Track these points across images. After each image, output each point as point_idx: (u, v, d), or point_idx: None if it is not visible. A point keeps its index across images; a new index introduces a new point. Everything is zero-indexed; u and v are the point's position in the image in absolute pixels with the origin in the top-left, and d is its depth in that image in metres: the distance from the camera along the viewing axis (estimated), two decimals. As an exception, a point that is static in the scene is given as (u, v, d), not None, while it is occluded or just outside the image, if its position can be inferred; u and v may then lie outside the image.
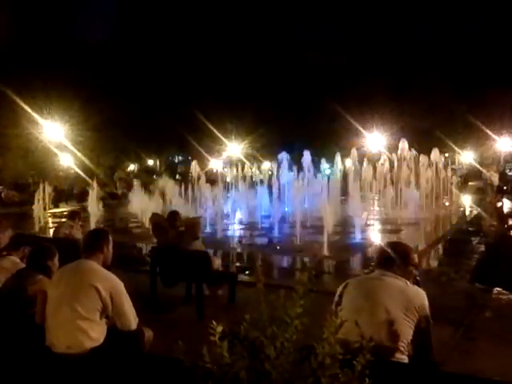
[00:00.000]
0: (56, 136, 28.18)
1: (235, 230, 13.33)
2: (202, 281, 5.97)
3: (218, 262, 6.52)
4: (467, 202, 23.99)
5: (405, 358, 2.82)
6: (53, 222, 12.86)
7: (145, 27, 36.50)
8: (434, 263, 10.27)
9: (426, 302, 2.98)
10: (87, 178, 19.28)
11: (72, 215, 8.30)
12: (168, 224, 6.78)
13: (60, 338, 3.36)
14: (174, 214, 6.99)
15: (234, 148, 34.71)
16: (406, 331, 2.85)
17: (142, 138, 23.45)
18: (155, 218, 7.28)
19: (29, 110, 26.50)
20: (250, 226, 13.75)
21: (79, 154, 24.71)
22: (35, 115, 27.06)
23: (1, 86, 25.21)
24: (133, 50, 34.75)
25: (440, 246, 11.87)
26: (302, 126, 31.77)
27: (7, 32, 27.91)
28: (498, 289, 6.88)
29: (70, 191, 23.64)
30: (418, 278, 3.38)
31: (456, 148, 35.16)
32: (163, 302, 6.06)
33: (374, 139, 32.79)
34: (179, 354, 1.82)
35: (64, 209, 13.91)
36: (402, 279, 3.02)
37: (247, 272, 7.64)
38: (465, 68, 36.17)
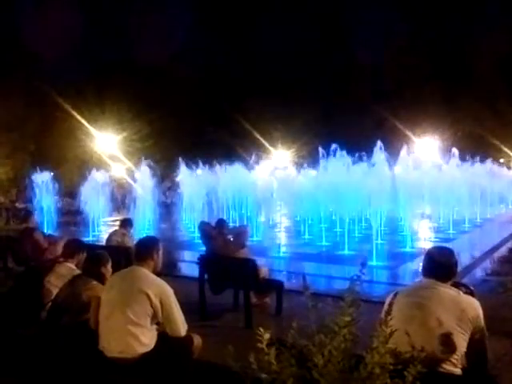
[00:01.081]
0: (109, 147, 29.23)
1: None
2: (250, 289, 5.98)
3: (265, 270, 6.52)
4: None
5: (458, 371, 2.72)
6: (106, 231, 13.28)
7: (194, 42, 37.32)
8: (489, 272, 9.87)
9: (481, 313, 2.87)
10: (139, 187, 19.79)
11: (124, 223, 8.51)
12: (216, 232, 6.86)
13: (112, 342, 3.46)
14: (221, 222, 7.06)
15: (281, 155, 34.79)
16: (460, 343, 2.75)
17: (190, 148, 24.02)
18: (203, 225, 7.36)
19: (85, 122, 27.66)
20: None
21: (130, 164, 25.47)
22: (90, 127, 28.20)
23: (59, 100, 26.44)
24: (183, 64, 35.48)
25: (495, 253, 11.40)
26: (350, 131, 31.39)
27: (66, 46, 29.17)
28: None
29: (122, 200, 24.36)
30: (472, 287, 3.26)
31: (510, 152, 33.76)
32: (211, 309, 6.12)
33: (426, 145, 31.99)
34: (228, 360, 1.84)
35: (117, 218, 14.34)
36: (455, 289, 2.92)
37: (294, 281, 7.61)
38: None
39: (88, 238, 13.11)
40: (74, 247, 4.86)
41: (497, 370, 3.36)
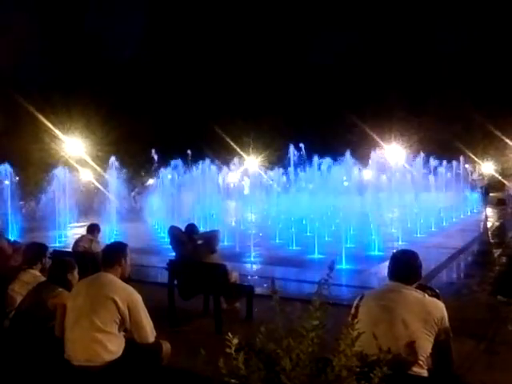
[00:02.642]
0: (76, 151, 28.70)
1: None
2: (220, 294, 5.96)
3: (235, 275, 6.50)
4: (489, 212, 23.63)
5: (424, 372, 2.77)
6: (73, 236, 13.03)
7: (165, 44, 37.12)
8: (454, 275, 10.12)
9: (446, 315, 2.93)
10: (107, 193, 19.51)
11: (91, 229, 8.36)
12: (186, 237, 6.80)
13: (78, 350, 3.39)
14: (191, 227, 7.01)
15: (252, 161, 34.87)
16: (425, 344, 2.81)
17: (160, 153, 23.81)
18: (173, 230, 7.29)
19: (50, 125, 27.08)
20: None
21: (99, 169, 25.07)
22: (56, 131, 27.63)
23: (24, 103, 25.83)
24: (153, 66, 35.32)
25: (461, 256, 11.70)
26: (319, 138, 31.76)
27: (31, 49, 28.64)
28: (521, 301, 6.73)
29: (90, 206, 23.94)
30: (437, 290, 3.33)
31: (476, 159, 34.76)
32: (181, 315, 6.07)
33: (394, 150, 32.61)
34: (198, 366, 1.83)
35: (84, 223, 14.08)
36: (420, 291, 2.98)
37: (265, 285, 7.62)
38: (483, 78, 35.84)
39: (54, 244, 12.82)
40: (36, 252, 4.74)
41: (462, 370, 3.44)
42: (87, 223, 9.54)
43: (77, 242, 8.16)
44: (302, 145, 18.78)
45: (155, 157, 22.07)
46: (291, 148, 18.05)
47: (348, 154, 14.77)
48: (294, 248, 12.33)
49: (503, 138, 33.72)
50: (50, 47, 31.53)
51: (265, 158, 35.52)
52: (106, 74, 32.03)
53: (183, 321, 6.02)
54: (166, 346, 3.70)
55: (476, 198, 25.98)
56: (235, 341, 1.83)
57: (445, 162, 24.40)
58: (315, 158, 16.52)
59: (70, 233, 15.66)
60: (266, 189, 20.70)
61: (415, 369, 2.73)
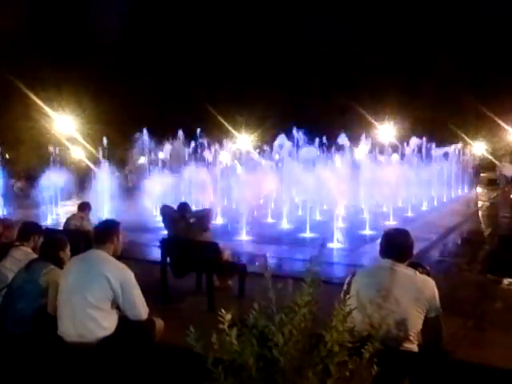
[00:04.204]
0: (67, 129, 28.39)
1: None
2: (212, 272, 6.00)
3: (228, 253, 6.54)
4: (479, 192, 23.82)
5: (414, 348, 2.82)
6: (64, 214, 12.97)
7: (155, 20, 36.52)
8: (444, 253, 10.23)
9: (436, 292, 2.97)
10: (98, 171, 19.38)
11: (82, 207, 8.32)
12: (178, 215, 6.80)
13: (71, 327, 3.41)
14: (184, 206, 7.00)
15: (244, 140, 34.71)
16: (416, 321, 2.85)
17: (153, 132, 23.62)
18: (165, 209, 7.28)
19: (40, 103, 26.72)
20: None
21: (90, 147, 24.86)
22: (47, 108, 27.27)
23: (13, 79, 25.42)
24: (144, 43, 34.81)
25: (452, 236, 11.81)
26: (312, 118, 31.64)
27: (19, 25, 28.05)
28: (510, 280, 6.83)
29: (81, 184, 23.81)
30: (428, 268, 3.37)
31: (468, 139, 34.85)
32: (173, 293, 6.10)
33: (387, 131, 32.59)
34: (190, 342, 1.84)
35: (75, 201, 14.01)
36: (411, 269, 3.01)
37: (257, 263, 7.67)
38: (476, 58, 35.73)
39: (46, 222, 12.77)
40: (30, 230, 4.72)
41: (451, 346, 3.49)
42: (79, 201, 9.49)
43: (68, 220, 8.14)
44: (295, 129, 18.69)
45: (146, 136, 21.89)
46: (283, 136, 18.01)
47: (342, 135, 14.79)
48: (286, 227, 12.37)
49: (496, 119, 33.77)
50: (38, 25, 30.88)
51: (257, 137, 35.38)
52: (95, 52, 31.52)
53: (176, 298, 6.06)
54: (159, 323, 3.73)
55: (467, 177, 26.10)
56: (228, 317, 1.84)
57: (435, 144, 24.49)
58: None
59: (61, 211, 15.58)
60: (258, 168, 20.65)
61: (406, 344, 2.78)
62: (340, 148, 16.73)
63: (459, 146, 27.96)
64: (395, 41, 37.14)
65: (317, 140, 19.23)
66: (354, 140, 19.40)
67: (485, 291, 6.31)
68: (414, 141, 20.72)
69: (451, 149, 25.02)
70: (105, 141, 18.10)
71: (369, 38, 37.40)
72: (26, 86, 25.79)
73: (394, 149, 22.07)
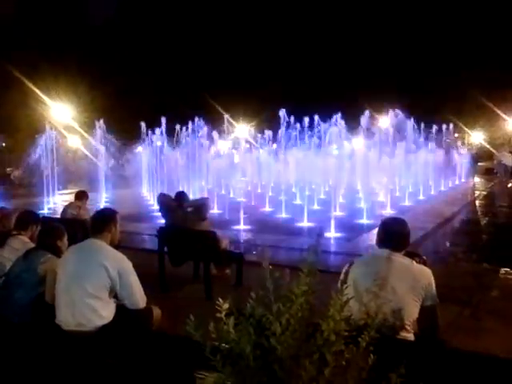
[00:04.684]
0: (64, 117, 28.25)
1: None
2: (210, 260, 6.01)
3: (225, 242, 6.54)
4: (477, 182, 23.86)
5: (410, 336, 2.84)
6: (61, 203, 12.96)
7: (153, 8, 36.21)
8: (441, 243, 10.27)
9: (432, 281, 2.98)
10: (95, 159, 19.33)
11: (79, 195, 8.29)
12: (176, 204, 6.80)
13: (69, 315, 3.42)
14: (181, 195, 7.00)
15: (242, 129, 34.61)
16: (412, 310, 2.86)
17: (150, 120, 23.52)
18: (163, 198, 7.28)
19: (37, 91, 26.55)
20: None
21: (86, 136, 24.77)
22: (44, 96, 27.12)
23: (10, 68, 25.23)
24: (142, 32, 34.55)
25: (448, 225, 11.85)
26: (307, 106, 31.54)
27: (16, 15, 27.81)
28: (506, 269, 6.87)
29: (78, 172, 23.76)
30: (424, 257, 3.38)
31: (466, 128, 34.84)
32: (171, 281, 6.12)
33: (382, 119, 32.48)
34: (189, 331, 1.84)
35: (72, 190, 13.99)
36: (408, 258, 3.02)
37: (254, 252, 7.69)
38: (475, 46, 35.57)
39: (43, 211, 12.76)
40: (27, 219, 4.71)
41: (446, 335, 3.51)
42: (75, 190, 9.47)
43: (65, 209, 8.11)
44: (291, 117, 18.66)
45: (143, 125, 21.78)
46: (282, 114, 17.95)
47: (338, 116, 14.71)
48: (284, 216, 12.39)
49: (495, 108, 33.74)
50: (35, 14, 30.60)
51: (255, 125, 35.28)
52: (93, 41, 31.29)
53: (173, 287, 6.08)
54: (157, 312, 3.75)
55: (465, 167, 26.13)
56: (225, 306, 1.84)
57: (434, 131, 24.47)
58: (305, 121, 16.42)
59: (58, 199, 15.57)
60: (256, 157, 20.65)
61: (402, 333, 2.80)
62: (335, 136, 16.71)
63: (457, 135, 27.97)
64: (394, 30, 36.93)
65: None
66: (352, 128, 19.36)
67: (481, 280, 6.34)
68: (410, 126, 20.69)
69: (452, 139, 25.02)
70: (99, 128, 17.98)
71: (366, 24, 37.18)
72: (24, 75, 25.63)
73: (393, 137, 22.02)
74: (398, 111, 19.78)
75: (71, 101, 28.78)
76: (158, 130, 19.55)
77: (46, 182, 15.79)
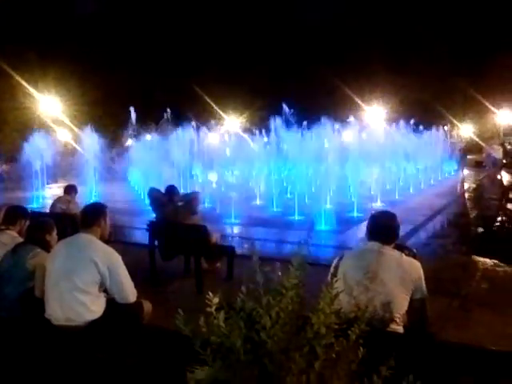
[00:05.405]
0: (53, 111, 27.97)
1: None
2: (201, 254, 6.00)
3: (216, 236, 6.54)
4: (466, 174, 24.04)
5: (400, 329, 2.86)
6: (50, 197, 12.85)
7: (142, 1, 35.92)
8: (431, 235, 10.34)
9: (422, 274, 3.00)
10: (85, 153, 19.19)
11: (68, 189, 8.22)
12: (166, 199, 6.77)
13: (59, 310, 3.40)
14: (172, 189, 6.97)
15: (232, 122, 34.53)
16: (402, 302, 2.88)
17: (140, 113, 23.37)
18: (153, 192, 7.25)
19: (25, 84, 26.24)
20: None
21: (76, 130, 24.56)
22: (31, 89, 26.81)
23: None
24: (132, 23, 34.26)
25: (438, 218, 11.93)
26: (300, 99, 31.54)
27: (1, 4, 27.40)
28: (494, 261, 6.94)
29: (67, 166, 23.57)
30: (414, 250, 3.40)
31: (455, 121, 35.04)
32: (162, 276, 6.11)
33: (374, 112, 32.63)
34: (179, 325, 1.84)
35: (62, 183, 13.88)
36: (398, 251, 3.04)
37: (245, 246, 7.69)
38: (465, 41, 35.73)
39: (32, 205, 12.65)
40: (16, 214, 4.66)
41: (436, 327, 3.54)
42: (65, 184, 9.40)
43: (54, 203, 8.05)
44: (284, 106, 18.66)
45: (133, 117, 21.67)
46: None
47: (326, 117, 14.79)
48: (275, 209, 12.40)
49: (483, 101, 33.95)
50: (22, 5, 30.15)
51: (246, 118, 35.23)
52: (81, 33, 30.95)
53: (164, 281, 6.07)
54: (147, 306, 3.74)
55: (454, 160, 26.30)
56: (216, 300, 1.84)
57: (422, 126, 24.61)
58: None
59: (47, 193, 15.44)
60: (246, 150, 20.59)
61: (392, 326, 2.82)
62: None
63: (446, 128, 28.13)
64: (384, 18, 36.94)
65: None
66: (342, 121, 19.43)
67: (470, 272, 6.41)
68: (402, 123, 20.80)
69: (439, 131, 25.16)
70: (90, 122, 17.84)
71: (356, 17, 37.17)
72: (11, 67, 25.30)
73: (382, 130, 22.15)
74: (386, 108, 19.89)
75: (60, 94, 28.50)
76: (148, 123, 19.46)
77: (35, 176, 15.65)
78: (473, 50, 35.15)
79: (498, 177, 22.54)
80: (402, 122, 21.33)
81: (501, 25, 34.20)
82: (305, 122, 19.13)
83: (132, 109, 21.02)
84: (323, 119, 15.02)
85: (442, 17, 36.58)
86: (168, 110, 22.98)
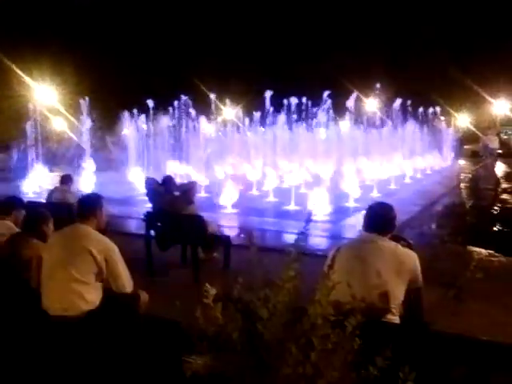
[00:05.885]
0: (48, 99, 27.76)
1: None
2: (197, 244, 6.01)
3: (213, 226, 6.54)
4: (462, 164, 24.09)
5: (396, 319, 2.88)
6: (46, 187, 12.80)
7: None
8: (427, 225, 10.38)
9: (418, 265, 3.02)
10: (81, 142, 19.11)
11: (64, 179, 8.19)
12: (163, 189, 6.77)
13: (56, 301, 3.40)
14: (168, 179, 6.97)
15: (229, 111, 34.35)
16: (398, 293, 2.90)
17: (136, 102, 23.24)
18: (150, 182, 7.24)
19: (19, 71, 26.03)
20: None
21: (72, 119, 24.41)
22: (26, 77, 26.59)
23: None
24: (128, 12, 33.94)
25: (434, 208, 11.96)
26: (296, 87, 31.41)
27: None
28: (490, 251, 6.97)
29: (63, 155, 23.46)
30: (410, 240, 3.41)
31: (452, 111, 35.00)
32: (158, 266, 6.11)
33: (370, 102, 32.50)
34: (176, 315, 1.85)
35: (58, 173, 13.82)
36: (394, 242, 3.05)
37: (242, 235, 7.71)
38: (462, 30, 35.60)
39: (27, 195, 12.61)
40: (11, 204, 4.65)
41: (431, 317, 3.56)
42: (61, 173, 9.36)
43: (50, 193, 8.02)
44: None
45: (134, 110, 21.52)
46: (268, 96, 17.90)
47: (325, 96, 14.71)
48: (272, 199, 12.40)
49: (480, 91, 33.92)
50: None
51: (242, 107, 35.06)
52: (75, 21, 30.66)
53: (161, 271, 6.08)
54: (144, 296, 3.75)
55: (451, 149, 26.32)
56: (213, 291, 1.85)
57: (421, 112, 24.62)
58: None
59: (42, 183, 15.37)
60: (243, 139, 20.56)
61: (388, 316, 2.83)
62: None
63: (443, 118, 28.12)
64: (381, 8, 36.72)
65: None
66: (339, 111, 19.37)
67: (465, 262, 6.43)
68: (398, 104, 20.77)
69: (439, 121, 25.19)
70: (86, 111, 17.70)
71: (352, 11, 36.95)
72: (3, 54, 25.05)
73: (379, 121, 22.15)
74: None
75: (56, 82, 28.29)
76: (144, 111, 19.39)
77: (31, 165, 15.58)
78: (470, 40, 35.04)
79: (495, 167, 22.60)
80: (398, 110, 21.33)
81: (496, 15, 34.06)
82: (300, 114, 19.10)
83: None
84: (319, 111, 14.99)
85: (438, 6, 36.40)
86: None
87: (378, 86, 30.54)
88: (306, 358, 1.75)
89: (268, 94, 18.28)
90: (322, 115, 15.18)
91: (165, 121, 20.08)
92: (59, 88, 28.35)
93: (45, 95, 27.53)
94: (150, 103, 19.63)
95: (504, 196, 14.23)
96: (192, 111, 20.63)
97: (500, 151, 27.93)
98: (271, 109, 17.96)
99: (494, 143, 27.04)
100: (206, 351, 1.81)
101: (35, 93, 27.21)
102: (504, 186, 16.41)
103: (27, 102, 27.19)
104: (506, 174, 19.97)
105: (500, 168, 22.58)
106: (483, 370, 2.30)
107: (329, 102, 15.02)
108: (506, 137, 32.67)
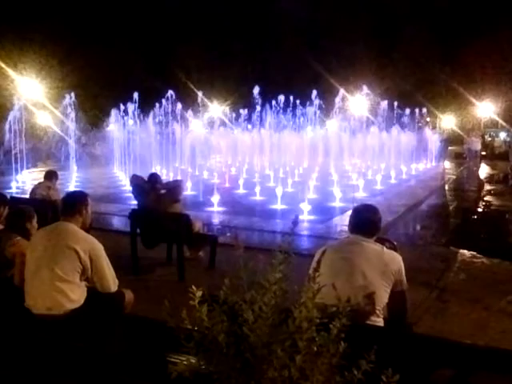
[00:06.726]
0: (33, 93, 27.39)
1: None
2: (183, 243, 5.99)
3: (199, 225, 6.53)
4: (447, 166, 24.34)
5: (380, 321, 2.90)
6: (30, 182, 12.65)
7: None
8: (411, 226, 10.48)
9: (402, 267, 3.05)
10: (66, 137, 18.91)
11: (48, 175, 8.06)
12: (149, 186, 6.72)
13: (39, 299, 3.37)
14: (154, 176, 6.92)
15: (216, 109, 34.28)
16: (382, 295, 2.92)
17: (122, 97, 23.04)
18: (135, 179, 7.18)
19: (3, 65, 25.64)
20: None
21: (57, 113, 24.11)
22: (10, 71, 26.20)
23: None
24: (112, 4, 33.62)
25: (418, 209, 12.07)
26: (285, 88, 31.48)
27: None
28: (473, 252, 7.06)
29: (48, 151, 23.18)
30: (395, 243, 3.44)
31: (437, 112, 35.35)
32: (144, 264, 6.08)
33: (358, 102, 32.68)
34: (163, 315, 1.84)
35: (42, 168, 13.66)
36: (379, 244, 3.07)
37: (228, 234, 7.70)
38: (448, 32, 35.94)
39: (10, 191, 12.45)
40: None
41: (414, 318, 3.61)
42: (45, 169, 9.25)
43: (34, 189, 7.89)
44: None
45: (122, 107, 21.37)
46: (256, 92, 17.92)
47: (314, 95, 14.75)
48: (258, 198, 12.41)
49: (465, 93, 34.30)
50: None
51: (229, 105, 35.01)
52: (60, 13, 30.28)
53: (146, 269, 6.05)
54: (129, 295, 3.72)
55: (436, 151, 26.58)
56: (199, 293, 1.84)
57: (407, 113, 24.82)
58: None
59: (27, 178, 15.20)
60: (230, 137, 20.55)
61: (372, 318, 2.86)
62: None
63: (428, 119, 28.39)
64: (368, 7, 36.91)
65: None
66: (327, 110, 19.47)
67: (448, 263, 6.51)
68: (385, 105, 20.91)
69: (421, 121, 25.41)
70: (71, 106, 17.52)
71: (340, 7, 37.08)
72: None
73: (365, 122, 22.29)
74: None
75: (40, 77, 27.93)
76: (130, 107, 19.24)
77: (14, 160, 15.38)
78: (455, 42, 35.38)
79: (478, 169, 22.89)
80: (384, 111, 21.49)
81: (482, 18, 34.41)
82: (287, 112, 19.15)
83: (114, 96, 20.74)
84: (307, 109, 15.04)
85: (424, 6, 36.70)
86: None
87: (364, 86, 30.74)
88: (292, 360, 1.76)
89: (256, 90, 18.29)
90: (310, 113, 15.24)
91: (151, 117, 19.95)
92: (44, 82, 28.01)
93: (29, 89, 27.16)
94: (136, 96, 19.49)
95: (487, 198, 14.42)
96: (179, 105, 20.55)
97: (483, 153, 28.29)
98: (258, 107, 17.97)
99: (478, 145, 27.38)
100: (192, 352, 1.80)
101: (20, 87, 26.85)
102: (487, 187, 16.63)
103: (11, 96, 26.83)
104: (489, 176, 20.23)
105: (483, 170, 22.88)
106: (466, 372, 2.33)
107: (316, 101, 15.09)
108: (489, 139, 33.05)
